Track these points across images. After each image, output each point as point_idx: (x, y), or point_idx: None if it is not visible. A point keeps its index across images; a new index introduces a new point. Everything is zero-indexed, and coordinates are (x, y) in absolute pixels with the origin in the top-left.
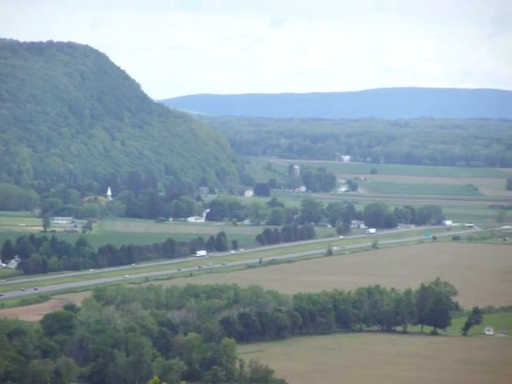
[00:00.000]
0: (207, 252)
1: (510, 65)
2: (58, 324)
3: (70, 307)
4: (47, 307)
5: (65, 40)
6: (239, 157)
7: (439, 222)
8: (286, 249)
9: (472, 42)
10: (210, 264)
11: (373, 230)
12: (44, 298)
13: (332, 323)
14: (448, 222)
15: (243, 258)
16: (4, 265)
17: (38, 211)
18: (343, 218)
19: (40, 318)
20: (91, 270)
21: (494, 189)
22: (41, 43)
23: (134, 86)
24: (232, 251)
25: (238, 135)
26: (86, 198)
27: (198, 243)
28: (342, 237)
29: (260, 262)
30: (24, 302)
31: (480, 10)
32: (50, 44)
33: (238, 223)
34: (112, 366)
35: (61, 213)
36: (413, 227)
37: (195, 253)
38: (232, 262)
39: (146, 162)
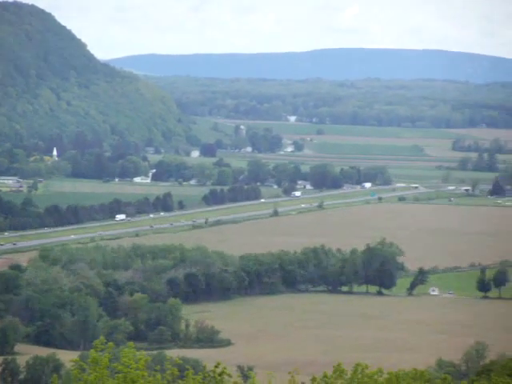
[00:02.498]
0: (126, 216)
1: (455, 26)
2: (4, 284)
3: (16, 267)
4: None
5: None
6: (185, 117)
7: (359, 184)
8: (232, 209)
9: (418, 3)
10: (183, 221)
11: (298, 193)
12: None
13: (278, 283)
14: (367, 185)
15: (189, 219)
16: None
17: None
18: (289, 179)
19: None
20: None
21: (440, 150)
22: None
23: (80, 46)
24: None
25: (185, 95)
26: (32, 158)
27: (144, 203)
28: (298, 193)
29: (206, 223)
30: None
31: None
32: None
33: (185, 183)
34: (58, 326)
35: (6, 173)
36: (359, 188)
37: (114, 217)
38: (178, 222)
39: (92, 122)
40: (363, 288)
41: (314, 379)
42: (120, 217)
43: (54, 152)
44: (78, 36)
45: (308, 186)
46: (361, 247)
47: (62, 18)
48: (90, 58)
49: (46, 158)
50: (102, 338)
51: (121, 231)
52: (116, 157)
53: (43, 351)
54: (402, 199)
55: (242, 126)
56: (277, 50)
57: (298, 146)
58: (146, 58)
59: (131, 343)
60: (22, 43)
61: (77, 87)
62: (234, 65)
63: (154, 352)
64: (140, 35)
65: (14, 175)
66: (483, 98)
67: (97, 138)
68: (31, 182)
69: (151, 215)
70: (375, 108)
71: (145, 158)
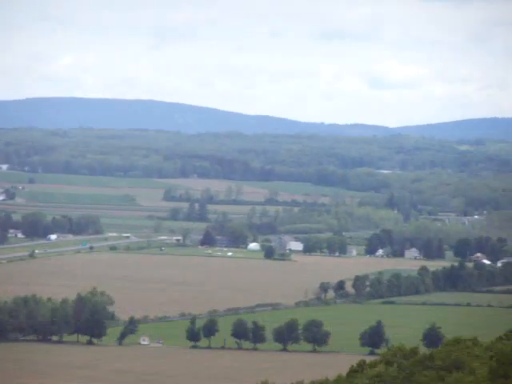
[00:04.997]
0: None
1: (168, 76)
2: None
3: None
4: None
5: None
6: None
7: (45, 237)
8: None
9: (131, 54)
10: None
11: None
12: None
13: None
14: (53, 237)
15: None
16: None
17: None
18: (0, 228)
19: None
20: None
21: (152, 199)
22: None
23: None
24: None
25: None
26: None
27: None
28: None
29: None
30: None
31: (140, 22)
32: None
33: None
34: None
35: None
36: (70, 237)
37: None
38: None
39: None
40: (74, 337)
41: None
42: None
43: None
44: None
45: (20, 235)
46: (72, 296)
47: None
48: None
49: None
50: None
51: None
52: None
53: None
54: (113, 248)
55: None
56: None
57: (10, 195)
58: None
59: None
60: None
61: None
62: None
63: None
64: None
65: None
66: (195, 149)
67: None
68: None
69: None
70: (88, 157)
71: None
